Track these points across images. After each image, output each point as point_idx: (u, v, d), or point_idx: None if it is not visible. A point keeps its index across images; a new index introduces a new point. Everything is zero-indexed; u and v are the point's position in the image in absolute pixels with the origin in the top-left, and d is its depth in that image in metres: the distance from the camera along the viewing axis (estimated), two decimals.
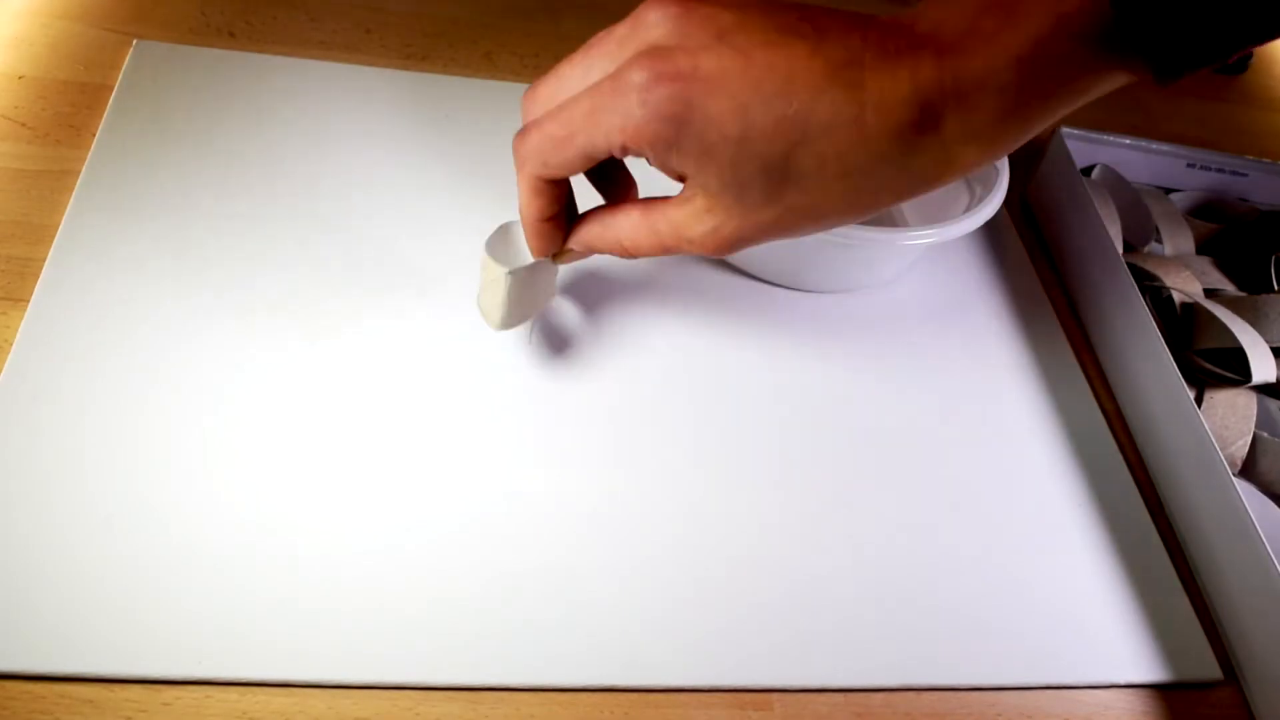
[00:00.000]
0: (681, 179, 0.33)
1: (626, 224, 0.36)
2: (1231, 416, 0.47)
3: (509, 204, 0.50)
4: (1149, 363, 0.47)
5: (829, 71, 0.31)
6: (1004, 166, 0.49)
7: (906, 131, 0.31)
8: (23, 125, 0.47)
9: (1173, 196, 0.60)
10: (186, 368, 0.40)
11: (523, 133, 0.34)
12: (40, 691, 0.32)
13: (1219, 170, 0.61)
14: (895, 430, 0.45)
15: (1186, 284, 0.52)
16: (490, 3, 0.62)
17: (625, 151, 0.32)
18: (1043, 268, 0.56)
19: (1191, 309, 0.51)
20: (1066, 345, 0.52)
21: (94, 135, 0.47)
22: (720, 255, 0.36)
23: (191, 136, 0.48)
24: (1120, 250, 0.51)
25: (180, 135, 0.48)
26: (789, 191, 0.32)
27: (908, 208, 0.55)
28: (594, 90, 0.32)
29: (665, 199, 0.35)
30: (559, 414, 0.42)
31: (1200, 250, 0.57)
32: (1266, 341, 0.48)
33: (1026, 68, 0.30)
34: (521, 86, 0.56)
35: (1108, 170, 0.59)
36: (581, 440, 0.42)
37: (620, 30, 0.33)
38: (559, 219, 0.37)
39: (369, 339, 0.43)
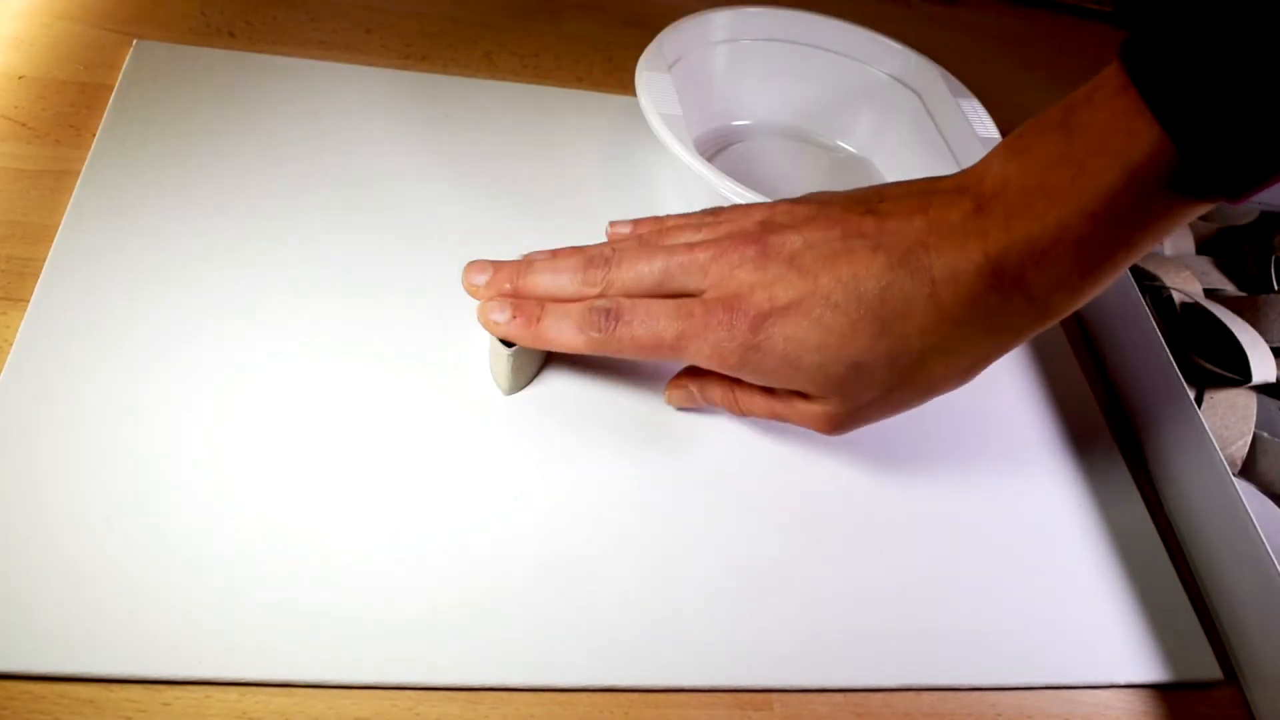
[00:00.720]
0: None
1: (749, 399, 0.40)
2: (1231, 416, 0.47)
3: (509, 203, 0.50)
4: (1148, 362, 0.47)
5: (891, 264, 0.34)
6: None
7: (986, 297, 0.33)
8: (23, 125, 0.47)
9: None
10: (187, 368, 0.40)
11: (613, 317, 0.37)
12: (40, 691, 0.32)
13: None
14: (895, 430, 0.45)
15: (1186, 284, 0.52)
16: (490, 3, 0.62)
17: (709, 366, 0.37)
18: None
19: (1191, 309, 0.51)
20: (1066, 343, 0.52)
21: (94, 135, 0.47)
22: (826, 430, 0.39)
23: (191, 136, 0.48)
24: None
25: (180, 135, 0.48)
26: (885, 377, 0.35)
27: None
28: (681, 314, 0.36)
29: (788, 394, 0.38)
30: (559, 414, 0.42)
31: (1200, 250, 0.57)
32: (1266, 341, 0.48)
33: (1101, 221, 0.31)
34: (522, 86, 0.56)
35: None
36: (582, 440, 0.42)
37: (701, 256, 0.37)
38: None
39: (370, 339, 0.43)
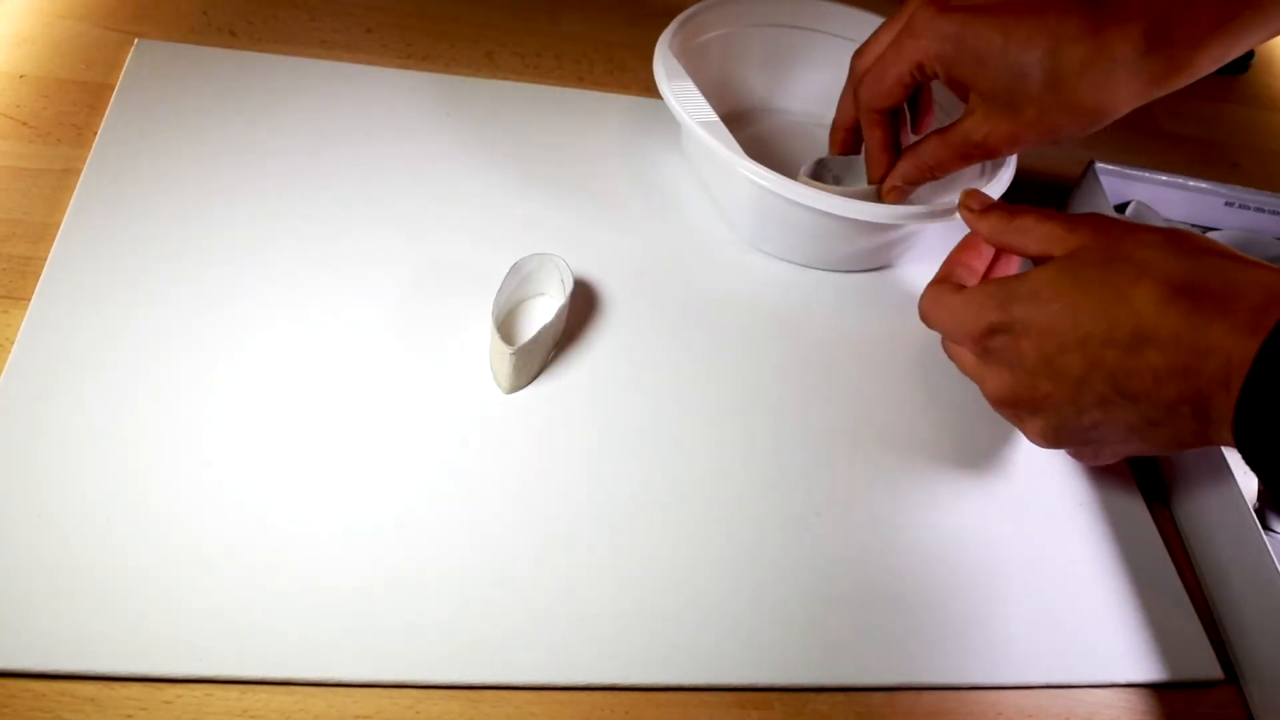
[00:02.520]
0: (964, 96, 0.44)
1: (929, 148, 0.46)
2: None
3: (509, 203, 0.50)
4: None
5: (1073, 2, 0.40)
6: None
7: (1140, 35, 0.39)
8: (24, 124, 0.47)
9: (1210, 235, 0.58)
10: (187, 366, 0.40)
11: (857, 83, 0.47)
12: (42, 690, 0.32)
13: (1258, 209, 0.59)
14: (895, 430, 0.45)
15: None
16: (491, 2, 0.62)
17: (923, 72, 0.44)
18: None
19: None
20: None
21: (95, 134, 0.47)
22: (1001, 154, 0.45)
23: (192, 135, 0.48)
24: None
25: (181, 134, 0.48)
26: (1045, 92, 0.40)
27: (922, 192, 0.56)
28: (896, 36, 0.44)
29: (954, 122, 0.45)
30: (560, 412, 0.42)
31: None
32: None
33: None
34: (522, 85, 0.57)
35: (1142, 207, 0.57)
36: (583, 439, 0.42)
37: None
38: (890, 148, 0.48)
39: (370, 337, 0.43)
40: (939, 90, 0.53)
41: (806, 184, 0.47)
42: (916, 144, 0.47)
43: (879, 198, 0.49)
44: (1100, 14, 0.39)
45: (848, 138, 0.51)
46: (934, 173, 0.47)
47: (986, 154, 0.44)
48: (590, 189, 0.52)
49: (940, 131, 0.46)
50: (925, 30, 0.42)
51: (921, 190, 0.56)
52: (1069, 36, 0.39)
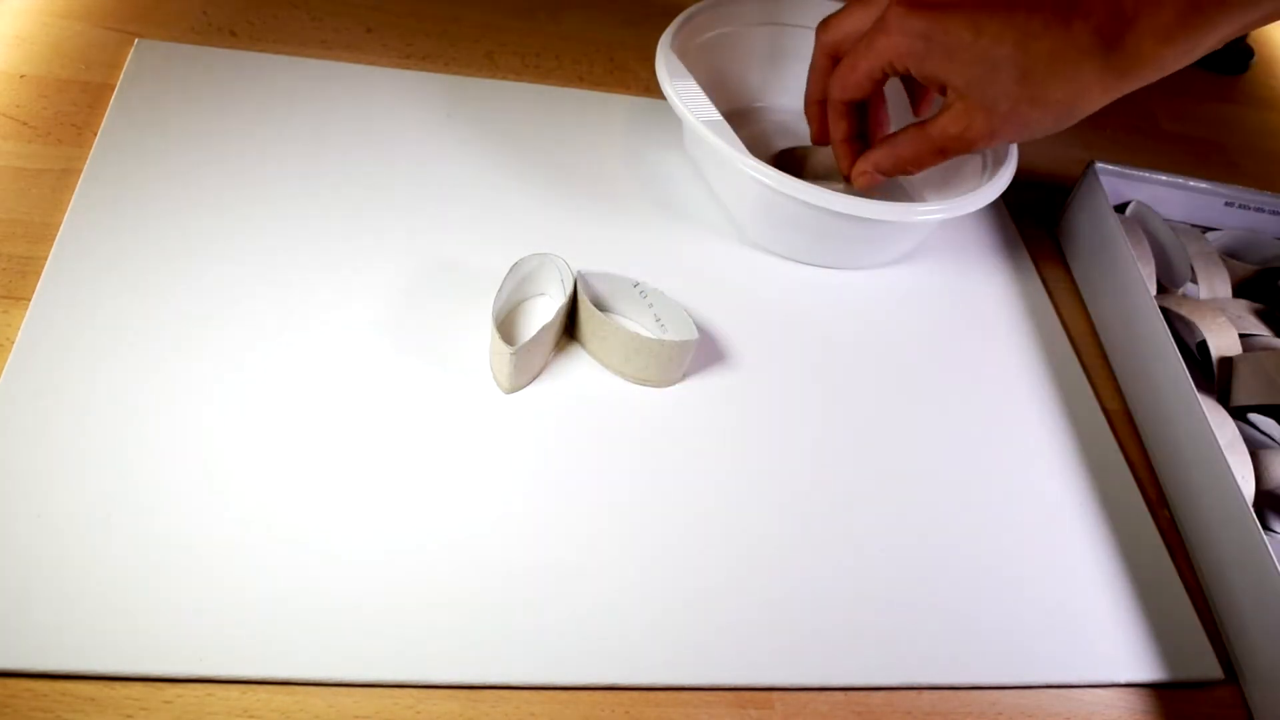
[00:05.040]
0: (941, 90, 0.44)
1: (906, 141, 0.47)
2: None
3: (509, 203, 0.50)
4: (1155, 361, 0.47)
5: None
6: (1012, 151, 0.51)
7: (1104, 29, 0.39)
8: (24, 124, 0.47)
9: (1209, 235, 0.58)
10: (188, 367, 0.40)
11: (825, 76, 0.48)
12: (42, 689, 0.32)
13: (1258, 209, 0.59)
14: (895, 430, 0.46)
15: (1222, 330, 0.50)
16: (491, 2, 0.62)
17: (893, 68, 0.44)
18: (1073, 306, 0.55)
19: (1230, 361, 0.49)
20: (1068, 345, 0.52)
21: (95, 134, 0.47)
22: (978, 148, 0.46)
23: (193, 135, 0.48)
24: (1153, 291, 0.50)
25: (181, 134, 0.48)
26: (1016, 87, 0.41)
27: (923, 186, 0.56)
28: (868, 33, 0.44)
29: (931, 117, 0.45)
30: (560, 412, 0.42)
31: (1237, 292, 0.55)
32: None
33: None
34: (523, 85, 0.57)
35: (1142, 207, 0.57)
36: (582, 438, 0.42)
37: None
38: (854, 141, 0.50)
39: (371, 338, 0.43)
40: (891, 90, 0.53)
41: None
42: (893, 135, 0.48)
43: (847, 186, 0.50)
44: (1067, 9, 0.40)
45: (819, 110, 0.51)
46: (909, 166, 0.47)
47: (963, 148, 0.45)
48: (591, 189, 0.52)
49: (918, 124, 0.46)
50: (896, 28, 0.43)
51: (922, 187, 0.56)
52: (1036, 31, 0.40)
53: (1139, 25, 0.39)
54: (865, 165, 0.49)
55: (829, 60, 0.48)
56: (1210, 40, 0.39)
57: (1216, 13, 0.38)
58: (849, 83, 0.46)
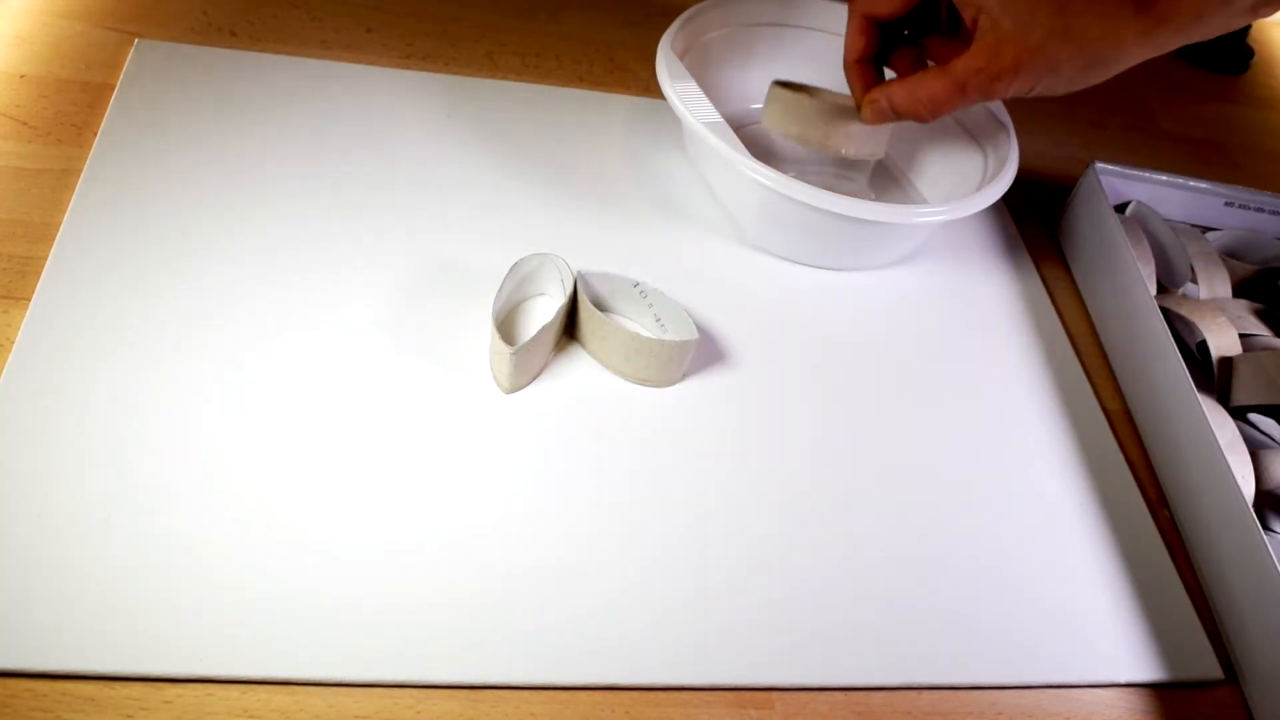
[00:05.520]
0: (972, 24, 0.42)
1: (926, 78, 0.44)
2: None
3: (509, 203, 0.50)
4: (1156, 362, 0.47)
5: None
6: (1013, 152, 0.50)
7: None
8: (24, 124, 0.47)
9: (1209, 235, 0.58)
10: (188, 367, 0.40)
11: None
12: (42, 689, 0.32)
13: (1258, 209, 0.59)
14: (895, 430, 0.46)
15: (1222, 330, 0.50)
16: (491, 2, 0.62)
17: None
18: (1073, 306, 0.55)
19: (1230, 361, 0.49)
20: (1068, 345, 0.52)
21: (95, 134, 0.47)
22: (999, 89, 0.42)
23: (192, 135, 0.48)
24: (1153, 291, 0.50)
25: (181, 134, 0.48)
26: (1053, 18, 0.39)
27: (924, 186, 0.56)
28: None
29: (956, 57, 0.42)
30: (559, 412, 0.42)
31: (1237, 292, 0.55)
32: None
33: None
34: (523, 85, 0.57)
35: (1142, 207, 0.57)
36: (582, 439, 0.42)
37: None
38: (872, 64, 0.47)
39: (371, 338, 0.43)
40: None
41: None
42: (914, 75, 0.45)
43: (859, 112, 0.48)
44: None
45: (861, 71, 0.48)
46: (925, 107, 0.44)
47: (985, 84, 0.42)
48: (591, 189, 0.52)
49: (941, 66, 0.44)
50: None
51: (925, 184, 0.56)
52: None
53: None
54: (879, 95, 0.46)
55: (865, 19, 0.46)
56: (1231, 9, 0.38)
57: None
58: None
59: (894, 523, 0.42)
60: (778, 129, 0.50)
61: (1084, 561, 0.43)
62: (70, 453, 0.37)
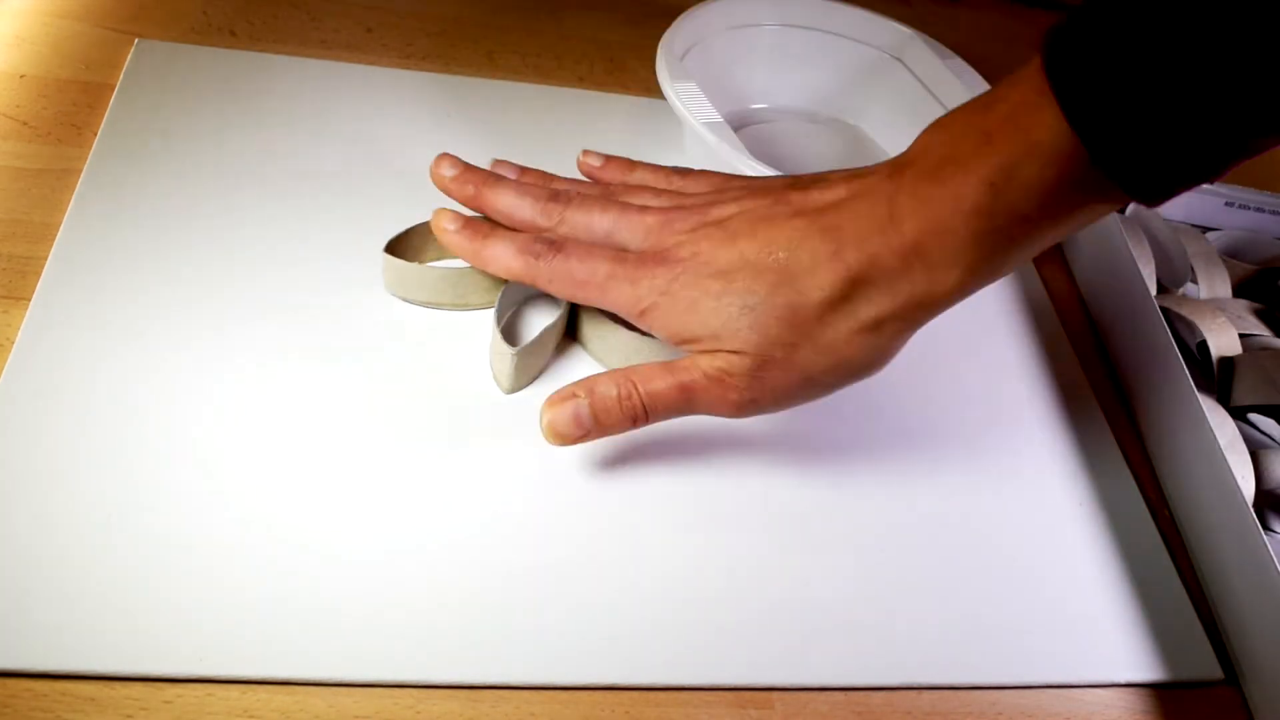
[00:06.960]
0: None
1: (650, 375, 0.38)
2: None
3: None
4: (1151, 356, 0.47)
5: (806, 226, 0.35)
6: None
7: (887, 259, 0.34)
8: (24, 124, 0.47)
9: (1209, 235, 0.58)
10: (188, 367, 0.40)
11: (555, 249, 0.39)
12: (41, 689, 0.32)
13: (1258, 209, 0.59)
14: (894, 430, 0.46)
15: (1222, 330, 0.50)
16: (492, 2, 0.62)
17: (625, 311, 0.38)
18: (1073, 306, 0.55)
19: (1231, 361, 0.49)
20: (1068, 345, 0.52)
21: (95, 134, 0.47)
22: (733, 401, 0.38)
23: (193, 135, 0.48)
24: (1153, 291, 0.49)
25: (182, 134, 0.48)
26: (783, 332, 0.35)
27: None
28: (616, 259, 0.38)
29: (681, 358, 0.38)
30: None
31: (1237, 293, 0.54)
32: None
33: (999, 193, 0.31)
34: (523, 85, 0.57)
35: (1142, 207, 0.57)
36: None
37: (650, 221, 0.39)
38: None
39: (372, 339, 0.43)
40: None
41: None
42: (631, 369, 0.38)
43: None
44: (840, 229, 0.35)
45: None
46: (642, 404, 0.38)
47: (714, 403, 0.38)
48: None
49: (666, 363, 0.38)
50: (648, 289, 0.37)
51: None
52: (806, 264, 0.35)
53: (929, 252, 0.33)
54: (578, 389, 0.38)
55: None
56: (1011, 262, 0.34)
57: (1018, 238, 0.32)
58: (565, 292, 0.39)
59: (894, 522, 0.42)
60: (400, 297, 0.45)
61: (1084, 561, 0.43)
62: (70, 453, 0.37)
